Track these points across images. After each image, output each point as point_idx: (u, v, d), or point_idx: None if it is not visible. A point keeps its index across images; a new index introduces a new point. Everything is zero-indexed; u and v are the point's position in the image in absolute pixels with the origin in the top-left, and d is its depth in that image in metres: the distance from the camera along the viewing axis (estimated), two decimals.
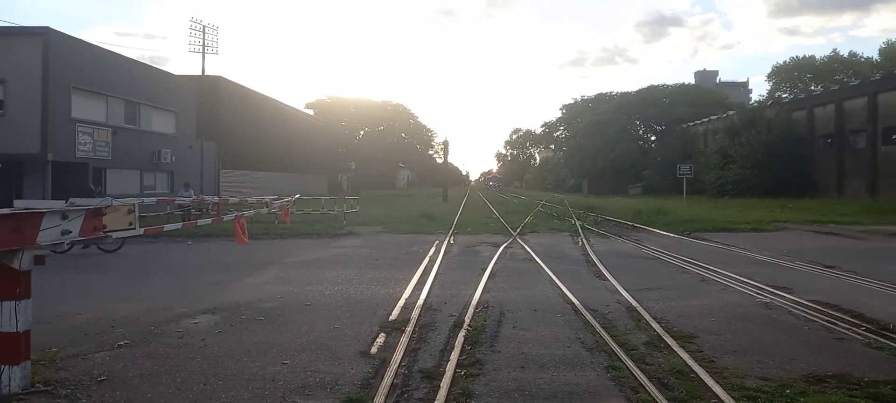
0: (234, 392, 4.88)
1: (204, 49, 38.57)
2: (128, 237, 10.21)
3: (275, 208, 20.05)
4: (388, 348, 6.07)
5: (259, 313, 7.72)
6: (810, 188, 39.51)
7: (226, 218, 14.00)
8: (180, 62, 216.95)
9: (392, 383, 5.06)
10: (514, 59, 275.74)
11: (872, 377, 5.05)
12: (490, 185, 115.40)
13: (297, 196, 24.15)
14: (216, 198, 20.47)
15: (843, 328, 6.70)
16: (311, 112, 75.74)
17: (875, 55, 67.44)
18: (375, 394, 4.81)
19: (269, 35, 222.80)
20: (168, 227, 10.63)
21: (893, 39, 68.65)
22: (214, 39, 39.94)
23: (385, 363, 5.59)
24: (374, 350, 6.06)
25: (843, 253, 13.56)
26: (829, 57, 70.85)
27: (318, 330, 6.83)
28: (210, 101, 35.99)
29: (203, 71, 37.31)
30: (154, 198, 18.58)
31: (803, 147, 41.12)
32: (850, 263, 11.69)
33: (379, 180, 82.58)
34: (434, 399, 4.69)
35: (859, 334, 6.44)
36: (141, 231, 7.78)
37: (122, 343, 6.27)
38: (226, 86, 39.07)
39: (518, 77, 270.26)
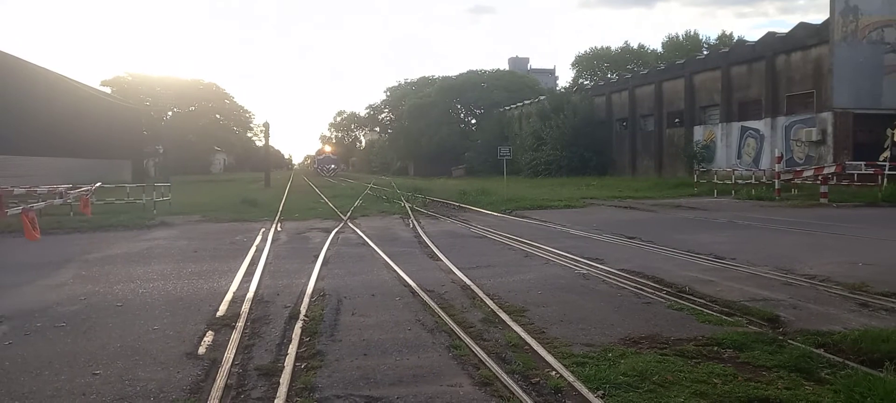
0: None
1: None
2: None
3: (71, 198, 17.76)
4: (219, 347, 5.63)
5: (59, 318, 6.77)
6: (610, 166, 43.85)
7: (10, 212, 12.09)
8: None
9: (226, 384, 4.70)
10: (335, 40, 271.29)
11: (677, 335, 5.69)
12: (322, 170, 78.20)
13: (98, 184, 21.63)
14: None
15: (649, 293, 7.48)
16: (108, 90, 68.23)
17: (659, 47, 76.42)
18: (208, 398, 4.43)
19: (53, 2, 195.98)
20: None
21: (673, 34, 77.85)
22: None
23: (216, 363, 5.18)
24: (202, 350, 5.59)
25: (640, 225, 15.18)
26: (622, 48, 78.82)
27: (134, 333, 6.15)
28: None
29: None
30: None
31: (604, 129, 45.43)
32: (648, 233, 13.12)
33: (192, 165, 76.78)
34: (274, 398, 4.43)
35: (662, 297, 7.22)
36: None
37: None
38: None
39: (341, 58, 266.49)
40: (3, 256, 12.02)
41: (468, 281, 8.22)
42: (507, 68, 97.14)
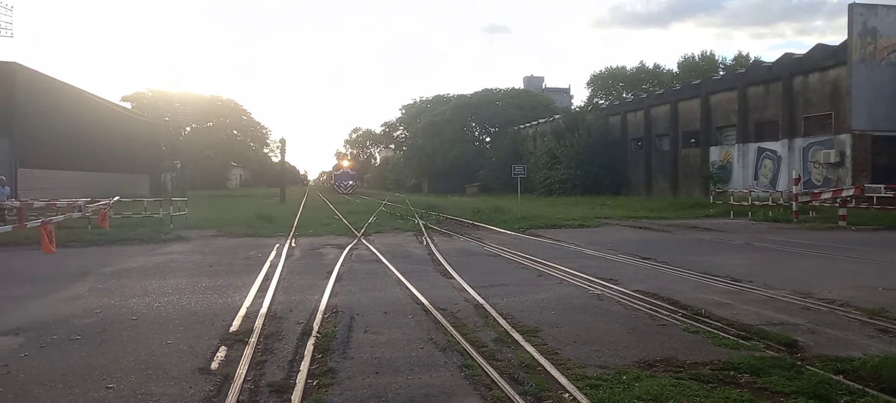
0: None
1: None
2: None
3: (89, 212, 17.97)
4: (231, 362, 5.64)
5: (74, 331, 6.83)
6: (624, 186, 43.64)
7: (29, 224, 12.25)
8: None
9: (238, 400, 4.70)
10: (352, 58, 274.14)
11: (693, 359, 5.61)
12: (340, 187, 70.96)
13: (116, 198, 21.90)
14: (17, 202, 17.89)
15: (664, 314, 7.40)
16: (128, 105, 69.27)
17: (674, 67, 76.13)
18: None
19: (74, 18, 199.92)
20: None
21: (689, 54, 77.38)
22: (8, 21, 34.54)
23: (228, 378, 5.18)
24: (214, 365, 5.60)
25: (655, 246, 15.06)
26: (638, 68, 78.55)
27: (148, 347, 6.18)
28: (3, 91, 31.38)
29: None
30: None
31: (618, 149, 45.29)
32: (662, 254, 13.00)
33: (209, 180, 77.56)
34: None
35: (677, 320, 7.14)
36: None
37: None
38: (22, 73, 34.30)
39: (357, 77, 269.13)
40: (21, 268, 12.18)
41: (481, 300, 8.19)
42: (522, 87, 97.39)
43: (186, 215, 22.20)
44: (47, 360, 5.77)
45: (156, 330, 6.90)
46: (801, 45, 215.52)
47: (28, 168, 32.81)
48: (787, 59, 32.45)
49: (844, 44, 28.02)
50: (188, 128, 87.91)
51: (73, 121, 38.86)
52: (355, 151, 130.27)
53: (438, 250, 14.09)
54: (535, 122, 60.66)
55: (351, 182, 73.17)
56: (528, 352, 5.82)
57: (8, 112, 31.72)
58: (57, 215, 15.95)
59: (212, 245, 15.96)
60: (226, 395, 4.78)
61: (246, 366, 5.45)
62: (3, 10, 33.17)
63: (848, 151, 27.43)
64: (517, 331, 6.56)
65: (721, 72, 52.16)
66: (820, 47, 30.42)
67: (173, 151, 70.78)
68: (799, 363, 5.43)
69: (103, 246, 15.59)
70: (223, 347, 6.14)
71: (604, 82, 78.44)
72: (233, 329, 6.86)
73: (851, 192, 22.01)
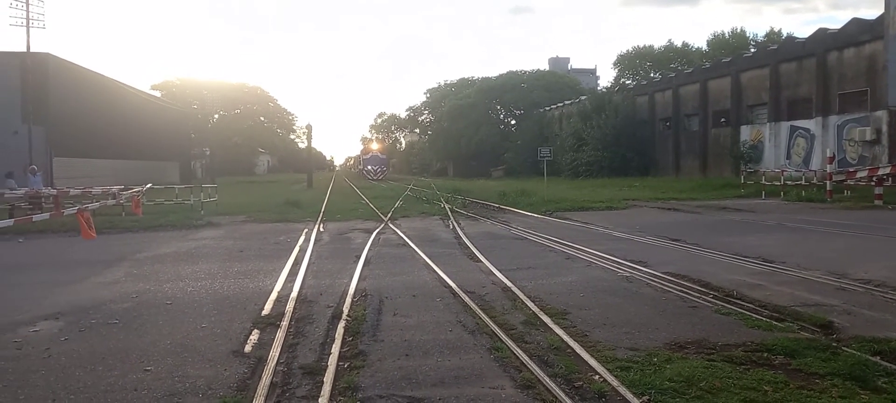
0: None
1: (28, 22, 33.79)
2: None
3: (123, 199, 18.36)
4: (264, 345, 5.75)
5: (112, 315, 7.01)
6: (652, 167, 43.05)
7: (66, 212, 12.57)
8: None
9: (271, 382, 4.79)
10: (376, 39, 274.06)
11: (725, 340, 5.56)
12: (367, 172, 66.48)
13: (149, 185, 22.33)
14: (54, 190, 18.36)
15: (695, 296, 7.32)
16: (158, 94, 70.34)
17: (704, 45, 74.58)
18: (254, 396, 4.53)
19: (105, 8, 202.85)
20: None
21: (718, 31, 75.78)
22: (41, 12, 35.07)
23: (262, 361, 5.29)
24: (248, 348, 5.71)
25: (684, 227, 14.88)
26: (666, 46, 77.08)
27: (183, 331, 6.33)
28: (37, 82, 32.09)
29: (28, 47, 32.89)
30: None
31: (646, 129, 44.65)
32: (692, 236, 12.85)
33: (237, 166, 78.57)
34: (318, 396, 4.50)
35: (708, 301, 7.06)
36: None
37: None
38: (56, 64, 35.02)
39: (381, 58, 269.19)
40: (59, 254, 12.51)
41: (509, 283, 8.19)
42: (548, 68, 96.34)
43: (216, 201, 22.55)
44: (87, 344, 5.94)
45: (190, 314, 7.05)
46: (836, 19, 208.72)
47: (62, 156, 33.60)
48: (821, 34, 31.55)
49: (881, 17, 27.09)
50: (216, 116, 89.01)
51: (105, 110, 39.62)
52: (381, 136, 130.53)
53: (465, 233, 14.11)
54: (561, 104, 60.05)
55: (381, 167, 68.10)
56: (557, 335, 5.82)
57: (42, 102, 32.46)
58: (92, 202, 16.32)
59: (242, 230, 16.20)
60: (260, 377, 4.87)
61: (279, 349, 5.55)
62: (36, 1, 33.64)
63: (884, 128, 26.64)
64: (546, 314, 6.56)
65: (752, 49, 50.89)
66: (855, 22, 29.51)
67: (202, 138, 71.80)
68: (834, 344, 5.35)
69: (137, 233, 15.93)
70: (256, 330, 6.25)
71: (631, 62, 77.14)
72: (265, 312, 6.98)
73: (888, 171, 21.44)
